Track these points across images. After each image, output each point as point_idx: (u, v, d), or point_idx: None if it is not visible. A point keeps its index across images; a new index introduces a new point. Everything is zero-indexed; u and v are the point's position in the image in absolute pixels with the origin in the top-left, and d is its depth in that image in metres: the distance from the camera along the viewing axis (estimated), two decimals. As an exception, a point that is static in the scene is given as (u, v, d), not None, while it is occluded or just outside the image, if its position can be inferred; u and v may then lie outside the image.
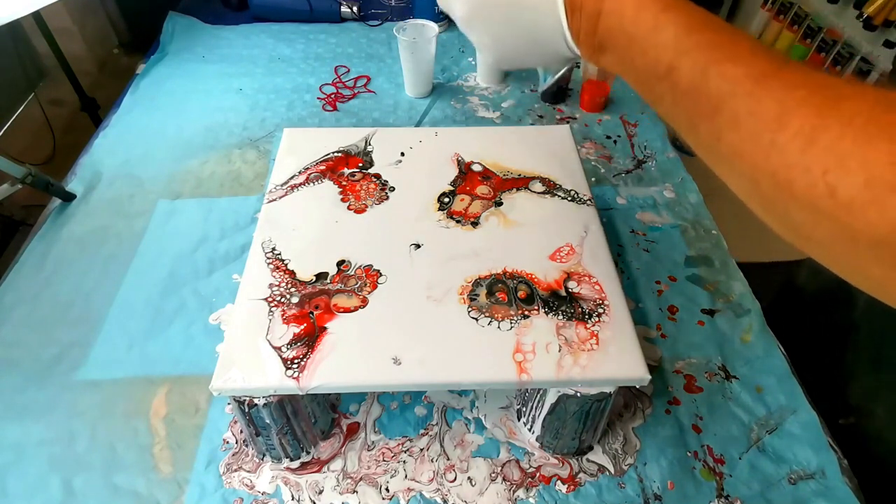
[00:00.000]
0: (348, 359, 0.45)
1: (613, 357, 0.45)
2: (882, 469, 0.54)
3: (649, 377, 0.44)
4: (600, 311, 0.48)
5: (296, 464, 0.52)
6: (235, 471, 0.51)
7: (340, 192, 0.59)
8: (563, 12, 0.30)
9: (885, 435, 0.54)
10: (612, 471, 0.52)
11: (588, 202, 0.58)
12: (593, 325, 0.47)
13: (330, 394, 0.52)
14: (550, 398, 0.47)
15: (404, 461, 0.52)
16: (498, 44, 0.35)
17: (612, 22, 0.29)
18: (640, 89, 0.31)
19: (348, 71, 1.03)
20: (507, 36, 0.34)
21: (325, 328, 0.46)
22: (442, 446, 0.53)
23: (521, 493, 0.50)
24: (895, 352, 0.54)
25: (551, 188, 0.60)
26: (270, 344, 0.45)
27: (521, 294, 0.49)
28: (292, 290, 0.49)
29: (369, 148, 0.64)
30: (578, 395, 0.46)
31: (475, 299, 0.49)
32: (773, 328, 0.63)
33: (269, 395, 0.44)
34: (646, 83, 0.29)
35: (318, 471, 0.51)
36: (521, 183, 0.60)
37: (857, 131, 0.21)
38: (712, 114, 0.26)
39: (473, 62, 1.05)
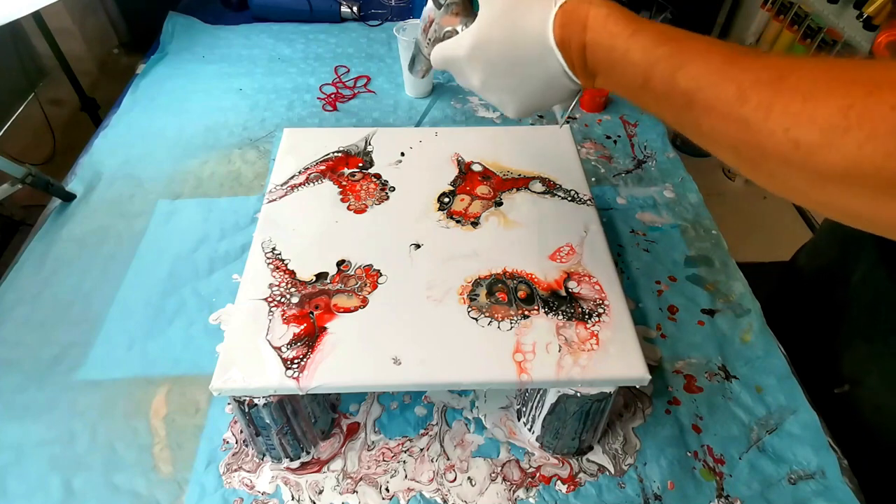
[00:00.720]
0: (348, 359, 0.45)
1: (613, 357, 0.45)
2: (874, 434, 0.56)
3: (649, 377, 0.44)
4: (600, 311, 0.48)
5: (296, 464, 0.52)
6: (235, 471, 0.51)
7: (340, 192, 0.59)
8: (559, 54, 0.36)
9: (878, 400, 0.56)
10: (612, 471, 0.52)
11: (588, 202, 0.58)
12: (593, 325, 0.47)
13: (330, 394, 0.52)
14: (550, 398, 0.47)
15: (404, 461, 0.52)
16: (516, 98, 0.40)
17: (594, 52, 0.35)
18: (629, 99, 0.36)
19: (348, 71, 1.03)
20: (522, 89, 0.39)
21: (325, 328, 0.46)
22: (442, 446, 0.53)
23: (521, 493, 0.50)
24: (887, 323, 0.56)
25: (551, 188, 0.60)
26: (270, 344, 0.45)
27: (521, 294, 0.49)
28: (292, 290, 0.49)
29: (369, 148, 0.64)
30: (578, 395, 0.46)
31: (475, 299, 0.49)
32: (775, 314, 0.64)
33: (269, 395, 0.44)
34: (631, 94, 0.35)
35: (318, 471, 0.51)
36: (521, 183, 0.60)
37: (805, 94, 0.26)
38: (688, 107, 0.31)
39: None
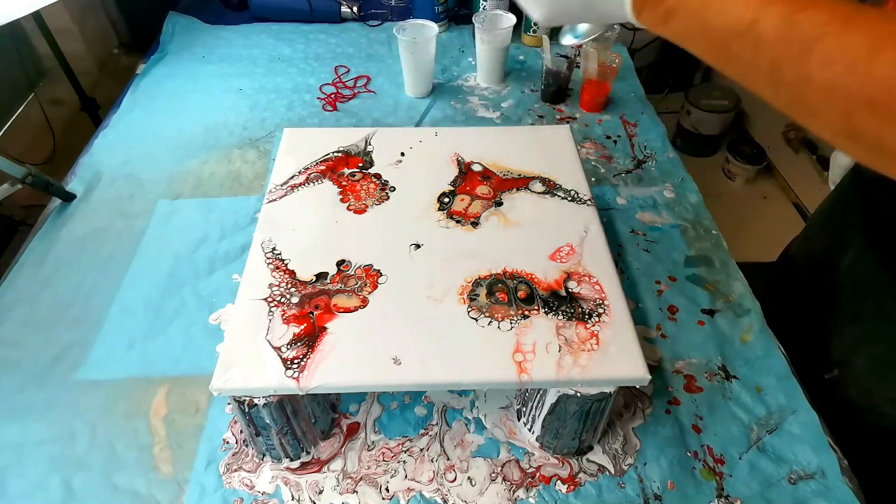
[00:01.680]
0: (348, 359, 0.45)
1: (613, 357, 0.45)
2: (862, 416, 0.57)
3: (649, 377, 0.44)
4: (600, 311, 0.48)
5: (296, 464, 0.52)
6: (235, 471, 0.51)
7: (340, 192, 0.59)
8: None
9: (864, 382, 0.57)
10: (612, 471, 0.52)
11: (588, 202, 0.58)
12: (593, 325, 0.47)
13: (330, 394, 0.52)
14: (550, 398, 0.47)
15: (404, 461, 0.52)
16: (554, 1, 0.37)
17: None
18: (710, 51, 0.32)
19: (348, 71, 1.03)
20: None
21: (325, 328, 0.46)
22: (442, 446, 0.53)
23: (521, 493, 0.50)
24: (874, 306, 0.56)
25: (551, 188, 0.60)
26: (270, 344, 0.45)
27: (521, 294, 0.49)
28: (292, 290, 0.49)
29: (369, 148, 0.64)
30: (578, 395, 0.46)
31: (475, 299, 0.49)
32: (769, 305, 0.65)
33: (269, 395, 0.44)
34: (721, 43, 0.31)
35: (318, 471, 0.51)
36: (521, 183, 0.60)
37: None
38: (802, 57, 0.27)
39: (473, 62, 1.05)
